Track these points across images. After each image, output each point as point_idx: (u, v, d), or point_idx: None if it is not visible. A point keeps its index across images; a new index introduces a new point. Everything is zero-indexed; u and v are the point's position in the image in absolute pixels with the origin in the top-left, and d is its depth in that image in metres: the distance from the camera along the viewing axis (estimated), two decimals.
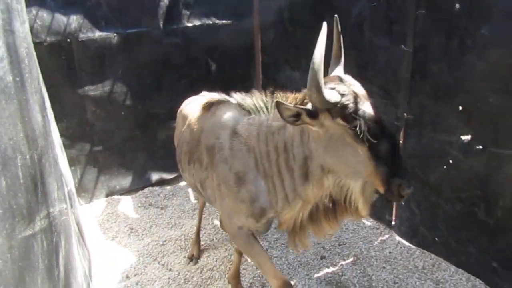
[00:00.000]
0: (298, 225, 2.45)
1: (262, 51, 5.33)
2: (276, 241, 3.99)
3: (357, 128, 1.93)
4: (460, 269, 3.42)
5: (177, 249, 3.93)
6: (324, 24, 1.93)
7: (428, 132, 3.36)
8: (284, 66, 4.95)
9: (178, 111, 3.44)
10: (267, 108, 2.43)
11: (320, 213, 2.33)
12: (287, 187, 2.34)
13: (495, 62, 2.77)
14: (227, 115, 2.57)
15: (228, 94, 2.76)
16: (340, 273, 3.51)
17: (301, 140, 2.19)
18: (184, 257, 3.81)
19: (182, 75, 5.05)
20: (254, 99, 2.49)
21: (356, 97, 1.99)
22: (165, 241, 4.06)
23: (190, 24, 4.94)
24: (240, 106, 2.54)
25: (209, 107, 2.79)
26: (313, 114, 1.99)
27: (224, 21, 5.12)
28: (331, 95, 1.94)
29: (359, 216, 2.23)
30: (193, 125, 2.87)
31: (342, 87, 2.00)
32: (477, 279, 3.29)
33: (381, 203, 3.92)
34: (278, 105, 1.96)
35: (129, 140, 4.95)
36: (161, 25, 4.76)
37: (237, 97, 2.61)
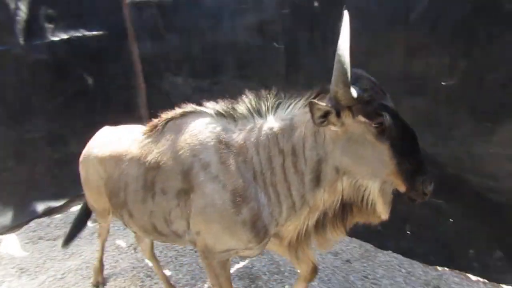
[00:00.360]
0: (302, 236, 2.24)
1: (141, 60, 5.20)
2: (184, 249, 3.96)
3: (382, 125, 1.80)
4: (353, 238, 3.83)
5: (79, 280, 3.66)
6: (346, 13, 1.77)
7: None
8: (166, 73, 4.91)
9: (85, 158, 2.87)
10: (259, 112, 2.19)
11: (328, 221, 2.15)
12: (294, 193, 2.11)
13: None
14: (204, 127, 2.25)
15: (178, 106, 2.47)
16: (250, 266, 3.64)
17: (315, 142, 1.99)
18: (89, 285, 3.57)
19: (55, 93, 4.67)
20: (242, 104, 2.23)
21: (378, 92, 1.86)
22: (63, 273, 3.74)
23: (56, 38, 4.59)
24: (218, 114, 2.26)
25: (158, 126, 2.45)
26: (338, 113, 1.84)
27: (94, 32, 4.87)
28: (354, 91, 1.79)
29: (377, 219, 2.05)
30: (141, 155, 2.44)
31: (364, 82, 1.86)
32: (368, 244, 3.72)
33: None
34: (312, 105, 1.80)
35: (4, 172, 4.42)
36: (22, 42, 4.34)
37: (210, 105, 2.33)
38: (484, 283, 3.21)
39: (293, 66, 3.59)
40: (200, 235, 2.30)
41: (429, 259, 3.44)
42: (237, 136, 2.18)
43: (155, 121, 2.50)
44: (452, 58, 2.77)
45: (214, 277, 2.44)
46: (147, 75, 5.22)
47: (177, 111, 2.43)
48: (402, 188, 1.90)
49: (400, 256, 3.59)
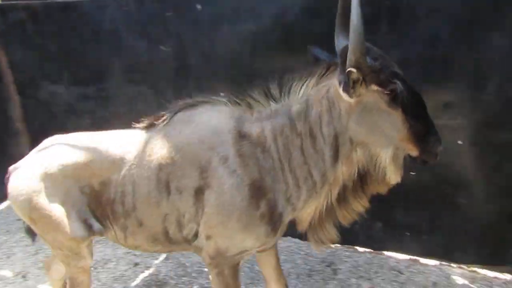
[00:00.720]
0: (323, 214, 2.20)
1: (11, 69, 4.68)
2: None
3: (394, 92, 1.84)
4: None
5: None
6: None
7: None
8: (43, 82, 4.50)
9: (36, 175, 2.28)
10: (273, 97, 2.12)
11: (349, 192, 2.14)
12: (315, 174, 2.08)
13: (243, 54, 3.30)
14: (220, 117, 2.15)
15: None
16: (156, 273, 3.57)
17: (331, 117, 1.99)
18: None
19: None
20: (256, 91, 2.15)
21: (387, 60, 1.90)
22: None
23: None
24: (233, 102, 2.17)
25: (165, 119, 2.25)
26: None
27: None
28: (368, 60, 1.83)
29: (388, 185, 2.10)
30: (149, 152, 2.20)
31: (373, 51, 1.89)
32: None
33: None
34: (350, 73, 1.79)
35: None
36: None
37: (223, 96, 2.23)
38: (370, 252, 3.64)
39: (182, 69, 3.60)
40: (211, 239, 2.18)
41: None
42: (255, 125, 2.11)
43: (156, 115, 2.30)
44: None
45: (224, 285, 2.29)
46: (20, 85, 4.73)
47: (186, 101, 2.28)
48: (414, 152, 1.96)
49: (298, 240, 3.86)
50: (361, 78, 1.83)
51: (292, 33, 3.13)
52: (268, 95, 2.14)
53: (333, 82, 1.96)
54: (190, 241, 2.27)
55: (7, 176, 2.39)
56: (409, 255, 3.52)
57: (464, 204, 3.07)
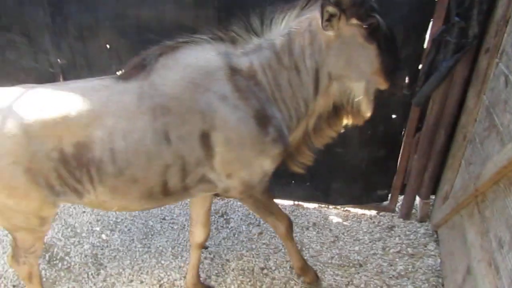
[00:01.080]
0: (300, 142, 2.39)
1: None
2: None
3: (373, 26, 1.93)
4: None
5: None
6: None
7: (86, 74, 3.46)
8: None
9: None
10: (255, 31, 2.12)
11: (323, 122, 2.31)
12: (302, 104, 2.20)
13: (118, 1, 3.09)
14: (208, 56, 2.07)
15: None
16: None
17: (313, 50, 2.05)
18: None
19: None
20: (237, 26, 2.12)
21: None
22: None
23: None
24: (216, 39, 2.12)
25: (146, 66, 2.07)
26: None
27: None
28: None
29: (362, 119, 2.25)
30: (136, 103, 2.00)
31: None
32: None
33: None
34: (324, 7, 1.86)
35: None
36: None
37: (205, 33, 2.13)
38: None
39: (60, 15, 3.25)
40: (232, 176, 2.18)
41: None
42: (243, 60, 2.10)
43: (134, 61, 2.10)
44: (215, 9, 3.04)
45: (265, 210, 2.47)
46: None
47: (166, 44, 2.13)
48: (383, 85, 2.13)
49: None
50: (338, 12, 1.91)
51: None
52: (249, 29, 2.13)
53: (315, 15, 2.00)
54: (189, 189, 2.20)
55: None
56: (293, 200, 3.87)
57: (340, 152, 3.44)
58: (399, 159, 3.43)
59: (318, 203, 3.85)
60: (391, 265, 3.15)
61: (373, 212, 3.74)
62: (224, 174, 2.17)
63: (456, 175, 3.02)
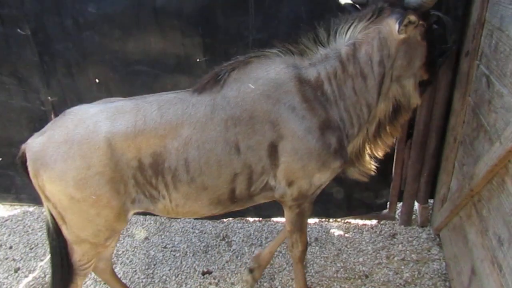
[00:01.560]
0: (361, 149, 2.48)
1: None
2: None
3: (430, 25, 2.16)
4: (147, 215, 3.96)
5: None
6: None
7: None
8: None
9: (76, 144, 2.12)
10: (321, 42, 2.23)
11: (383, 127, 2.42)
12: (365, 111, 2.29)
13: (105, 35, 3.14)
14: (278, 69, 2.19)
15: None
16: (42, 275, 3.34)
17: (381, 56, 2.17)
18: None
19: None
20: (304, 38, 2.25)
21: None
22: None
23: None
24: (285, 52, 2.24)
25: (220, 79, 2.22)
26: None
27: None
28: None
29: (411, 110, 2.44)
30: (210, 115, 2.15)
31: None
32: (162, 216, 3.93)
33: None
34: (408, 14, 2.01)
35: None
36: None
37: (274, 47, 2.27)
38: (260, 220, 3.89)
39: (47, 53, 3.30)
40: (294, 184, 2.29)
41: (215, 216, 3.90)
42: (310, 71, 2.21)
43: (207, 75, 2.26)
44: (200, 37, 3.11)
45: (300, 224, 2.53)
46: None
47: (238, 59, 2.29)
48: (425, 77, 2.34)
49: (192, 220, 3.94)
50: (417, 21, 2.07)
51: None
52: (316, 41, 2.24)
53: (387, 23, 2.14)
54: (253, 196, 2.36)
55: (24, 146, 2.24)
56: None
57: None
58: (394, 166, 3.46)
59: (318, 218, 3.84)
60: (397, 273, 3.13)
61: (374, 222, 3.74)
62: (285, 182, 2.30)
63: (451, 177, 3.05)
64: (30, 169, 2.20)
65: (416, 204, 3.61)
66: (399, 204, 3.66)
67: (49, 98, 3.48)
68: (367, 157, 2.55)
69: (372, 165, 2.57)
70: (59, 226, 2.34)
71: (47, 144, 2.15)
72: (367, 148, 2.52)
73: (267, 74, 2.20)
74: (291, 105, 2.15)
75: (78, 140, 2.11)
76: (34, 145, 2.18)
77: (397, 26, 2.08)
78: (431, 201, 3.56)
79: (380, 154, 2.56)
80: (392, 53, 2.18)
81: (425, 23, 2.16)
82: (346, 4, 2.38)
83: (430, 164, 3.33)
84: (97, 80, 3.35)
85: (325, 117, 2.20)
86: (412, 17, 2.04)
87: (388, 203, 3.65)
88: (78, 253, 2.40)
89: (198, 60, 3.19)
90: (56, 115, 3.52)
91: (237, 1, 2.95)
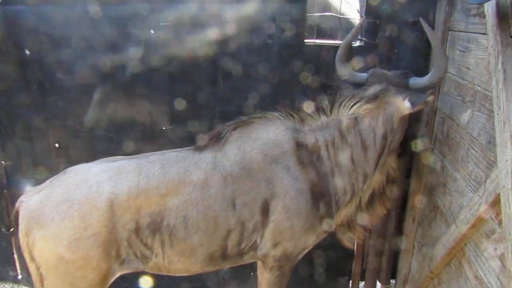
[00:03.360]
0: (352, 217, 2.47)
1: None
2: None
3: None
4: None
5: None
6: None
7: (33, 174, 3.34)
8: None
9: (76, 205, 2.11)
10: (324, 111, 2.32)
11: (376, 197, 2.45)
12: (360, 179, 2.32)
13: (72, 100, 3.13)
14: (277, 131, 2.27)
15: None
16: None
17: (385, 129, 2.25)
18: None
19: None
20: (307, 105, 2.34)
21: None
22: None
23: None
24: (286, 116, 2.32)
25: (223, 138, 2.29)
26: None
27: None
28: None
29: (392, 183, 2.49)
30: (210, 173, 2.20)
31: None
32: None
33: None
34: (430, 95, 2.16)
35: None
36: None
37: (276, 111, 2.35)
38: None
39: (7, 116, 3.21)
40: (279, 245, 2.29)
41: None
42: (308, 136, 2.28)
43: (210, 133, 2.34)
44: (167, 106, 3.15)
45: (281, 285, 2.49)
46: None
47: (241, 119, 2.36)
48: (400, 150, 2.47)
49: None
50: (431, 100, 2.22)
51: None
52: (319, 110, 2.35)
53: (394, 101, 2.25)
54: (242, 254, 2.35)
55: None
56: None
57: None
58: (355, 244, 3.44)
59: None
60: None
61: None
62: (271, 243, 2.30)
63: (411, 257, 3.06)
64: (22, 227, 2.13)
65: (378, 284, 3.54)
66: (362, 284, 3.58)
67: (2, 162, 3.32)
68: (358, 225, 2.57)
69: (361, 233, 2.62)
70: None
71: (45, 203, 2.11)
72: (358, 216, 2.54)
73: (266, 135, 2.29)
74: (287, 166, 2.23)
75: (79, 200, 2.09)
76: (30, 203, 2.14)
77: (408, 104, 2.21)
78: (393, 281, 3.51)
79: (368, 222, 2.60)
80: (395, 128, 2.29)
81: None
82: (345, 82, 2.50)
83: (391, 243, 3.33)
84: (56, 145, 3.25)
85: (316, 182, 2.26)
86: (431, 98, 2.21)
87: (351, 282, 3.57)
88: None
89: (164, 128, 3.20)
90: (8, 180, 3.35)
91: (207, 73, 3.05)
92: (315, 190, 2.25)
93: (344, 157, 2.30)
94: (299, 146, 2.27)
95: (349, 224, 2.55)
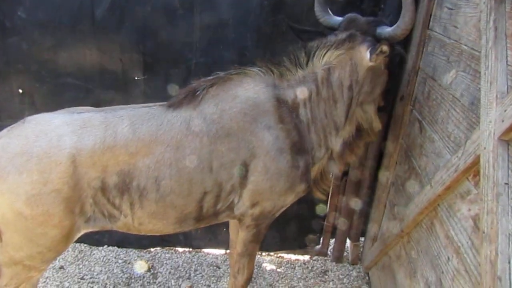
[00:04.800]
0: (325, 168, 2.54)
1: None
2: None
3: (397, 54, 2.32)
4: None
5: None
6: None
7: None
8: None
9: (33, 158, 1.95)
10: (300, 64, 2.25)
11: (347, 148, 2.46)
12: (333, 133, 2.35)
13: (37, 43, 2.90)
14: (257, 88, 2.19)
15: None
16: None
17: (351, 81, 2.24)
18: None
19: None
20: (285, 59, 2.27)
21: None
22: None
23: None
24: (266, 72, 2.24)
25: (198, 95, 2.16)
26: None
27: None
28: None
29: (376, 134, 2.56)
30: (185, 131, 2.08)
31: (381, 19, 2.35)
32: (82, 244, 3.60)
33: None
34: (383, 44, 2.09)
35: None
36: None
37: (255, 66, 2.26)
38: (189, 251, 3.69)
39: None
40: (257, 205, 2.25)
41: (142, 244, 3.65)
42: (288, 92, 2.23)
43: (184, 90, 2.19)
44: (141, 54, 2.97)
45: (254, 244, 2.48)
46: None
47: (218, 75, 2.24)
48: (381, 103, 2.48)
49: (116, 248, 3.65)
50: (389, 51, 2.14)
51: None
52: (296, 63, 2.26)
53: (358, 49, 2.21)
54: (219, 214, 2.29)
55: None
56: (225, 249, 3.71)
57: None
58: (328, 202, 3.47)
59: None
60: None
61: (307, 257, 3.70)
62: (250, 203, 2.25)
63: (382, 217, 3.11)
64: None
65: (348, 241, 3.63)
66: (332, 241, 3.66)
67: None
68: (328, 175, 2.62)
69: (330, 182, 2.70)
70: None
71: (1, 154, 1.96)
72: (330, 166, 2.57)
73: (246, 92, 2.18)
74: (267, 125, 2.14)
75: (38, 153, 1.95)
76: None
77: (368, 54, 2.17)
78: (362, 239, 3.60)
79: (339, 170, 2.68)
80: (360, 79, 2.27)
81: (392, 53, 2.25)
82: (323, 27, 2.44)
83: (363, 203, 3.38)
84: (20, 91, 3.04)
85: (296, 140, 2.21)
86: (385, 48, 2.12)
87: (321, 238, 3.64)
88: (6, 276, 2.15)
89: (136, 78, 3.04)
90: None
91: (182, 23, 2.87)
92: (295, 149, 2.19)
93: (319, 111, 2.28)
94: (280, 103, 2.18)
95: (322, 175, 2.57)
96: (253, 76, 2.24)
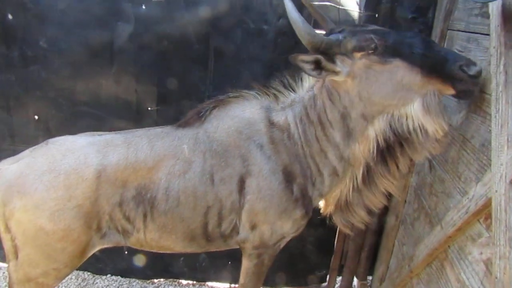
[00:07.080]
0: (350, 197, 2.26)
1: None
2: None
3: (380, 46, 1.84)
4: None
5: None
6: None
7: (9, 145, 3.20)
8: None
9: (60, 174, 2.08)
10: (291, 87, 2.28)
11: (373, 171, 2.14)
12: (332, 159, 2.19)
13: (56, 72, 2.99)
14: (251, 109, 2.27)
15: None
16: None
17: (332, 101, 2.09)
18: None
19: None
20: (278, 82, 2.30)
21: (357, 26, 2.08)
22: None
23: None
24: (262, 95, 2.30)
25: (202, 116, 2.30)
26: (331, 57, 1.92)
27: None
28: (332, 37, 1.95)
29: (434, 141, 1.94)
30: (191, 148, 2.22)
31: (342, 28, 2.02)
32: (85, 272, 3.56)
33: None
34: (295, 60, 1.89)
35: None
36: None
37: (253, 90, 2.33)
38: (193, 284, 3.63)
39: None
40: (256, 229, 2.25)
41: (146, 274, 3.61)
42: (280, 114, 2.25)
43: (191, 112, 2.36)
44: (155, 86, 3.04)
45: (257, 276, 2.45)
46: None
47: (220, 98, 2.36)
48: (447, 89, 1.82)
49: (119, 278, 3.60)
50: (321, 58, 1.89)
51: None
52: (287, 86, 2.30)
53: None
54: (226, 237, 2.31)
55: None
56: (230, 283, 3.64)
57: None
58: (336, 239, 3.43)
59: None
60: None
61: None
62: (248, 224, 2.26)
63: (391, 255, 3.06)
64: None
65: (355, 279, 3.55)
66: (339, 279, 3.58)
67: None
68: (358, 208, 2.30)
69: (362, 218, 2.33)
70: (7, 262, 2.20)
71: (27, 172, 2.08)
72: (359, 197, 2.26)
73: (242, 113, 2.29)
74: (260, 144, 2.21)
75: (66, 169, 2.08)
76: (9, 172, 2.11)
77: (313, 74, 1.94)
78: (370, 277, 3.52)
79: (374, 206, 2.29)
80: (342, 96, 2.03)
81: (367, 51, 1.88)
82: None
83: (371, 240, 3.33)
84: (36, 117, 3.12)
85: (288, 162, 2.21)
86: (306, 57, 1.90)
87: (328, 276, 3.57)
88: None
89: (149, 108, 3.10)
90: None
91: (198, 56, 2.95)
92: (287, 171, 2.19)
93: (311, 135, 2.19)
94: (271, 124, 2.25)
95: (347, 207, 2.33)
96: (250, 99, 2.35)
